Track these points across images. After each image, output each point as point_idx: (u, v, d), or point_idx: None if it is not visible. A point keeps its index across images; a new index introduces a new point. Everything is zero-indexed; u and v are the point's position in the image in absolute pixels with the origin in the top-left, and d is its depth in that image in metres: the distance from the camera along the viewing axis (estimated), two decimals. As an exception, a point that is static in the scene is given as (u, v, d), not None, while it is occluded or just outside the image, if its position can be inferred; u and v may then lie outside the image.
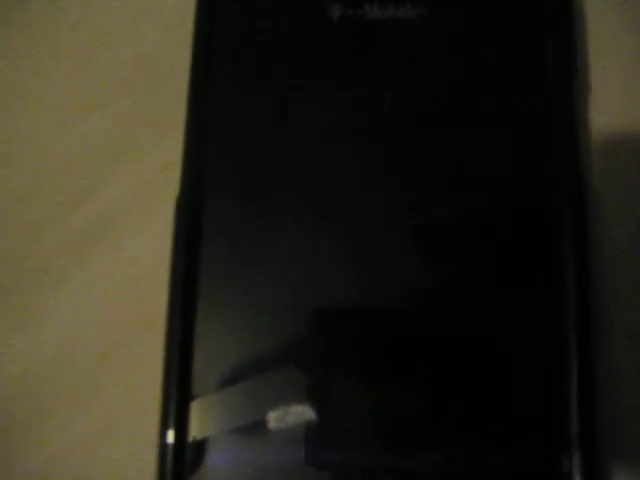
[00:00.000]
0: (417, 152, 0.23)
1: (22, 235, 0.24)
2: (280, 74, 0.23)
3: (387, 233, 0.22)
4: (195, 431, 0.21)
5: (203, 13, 0.24)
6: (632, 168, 0.23)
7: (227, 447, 0.21)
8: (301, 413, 0.21)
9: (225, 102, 0.23)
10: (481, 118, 0.23)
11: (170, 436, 0.21)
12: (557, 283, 0.21)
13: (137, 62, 0.25)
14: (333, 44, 0.24)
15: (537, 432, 0.20)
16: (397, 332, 0.21)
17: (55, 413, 0.23)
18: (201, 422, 0.21)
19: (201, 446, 0.21)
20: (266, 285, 0.22)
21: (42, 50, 0.26)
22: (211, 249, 0.22)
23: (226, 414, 0.21)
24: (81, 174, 0.24)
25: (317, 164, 0.23)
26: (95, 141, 0.25)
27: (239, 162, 0.23)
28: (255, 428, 0.21)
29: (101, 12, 0.26)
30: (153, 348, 0.22)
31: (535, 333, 0.21)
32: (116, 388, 0.23)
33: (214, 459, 0.21)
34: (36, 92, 0.25)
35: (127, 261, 0.24)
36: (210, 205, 0.22)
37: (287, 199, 0.22)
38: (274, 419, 0.21)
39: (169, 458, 0.21)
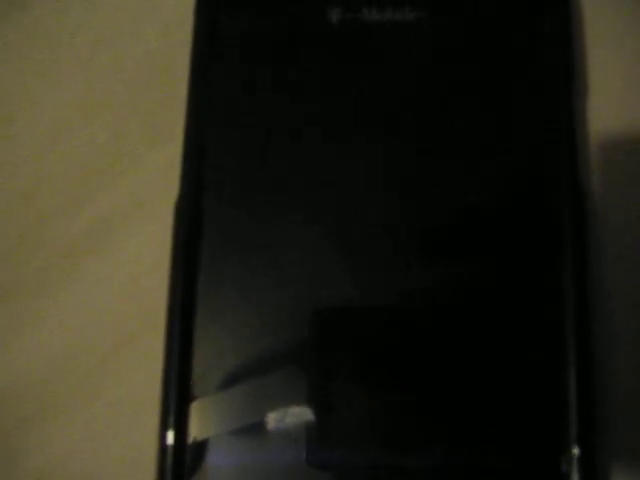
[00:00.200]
0: (416, 155, 0.23)
1: (23, 238, 0.24)
2: (279, 77, 0.24)
3: (387, 235, 0.22)
4: (195, 432, 0.21)
5: (203, 16, 0.24)
6: (631, 169, 0.23)
7: (227, 448, 0.21)
8: (301, 414, 0.21)
9: (224, 105, 0.23)
10: (480, 120, 0.23)
11: (170, 437, 0.21)
12: (556, 284, 0.21)
13: (137, 65, 0.25)
14: (332, 47, 0.24)
15: (536, 432, 0.20)
16: (397, 333, 0.21)
17: (56, 414, 0.23)
18: (201, 423, 0.21)
19: (201, 447, 0.21)
20: (265, 286, 0.22)
21: (43, 53, 0.26)
22: (210, 251, 0.22)
23: (226, 415, 0.21)
24: (81, 176, 0.25)
25: (316, 166, 0.23)
26: (95, 143, 0.25)
27: (238, 165, 0.23)
28: (255, 429, 0.21)
29: (101, 15, 0.26)
30: (153, 350, 0.22)
31: (534, 334, 0.21)
32: (116, 389, 0.23)
33: (214, 460, 0.21)
34: (37, 95, 0.25)
35: (127, 263, 0.24)
36: (209, 207, 0.22)
37: (286, 201, 0.22)
38: (274, 420, 0.21)
39: (169, 459, 0.21)
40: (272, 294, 0.22)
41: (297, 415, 0.21)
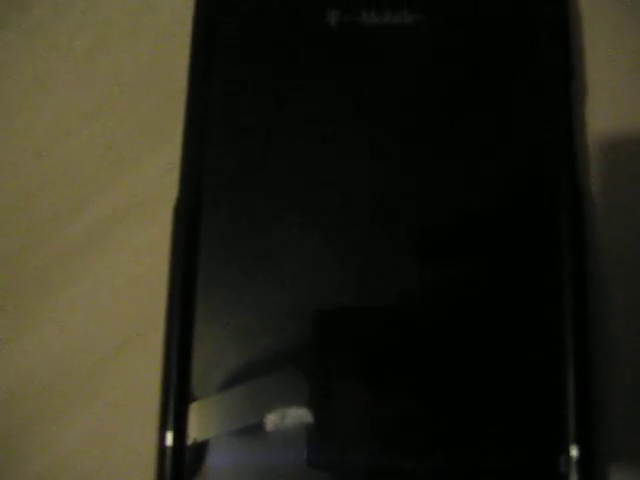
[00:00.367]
0: (415, 156, 0.23)
1: (23, 240, 0.24)
2: (278, 79, 0.24)
3: (387, 235, 0.22)
4: (194, 433, 0.21)
5: (201, 18, 0.24)
6: (630, 169, 0.23)
7: (227, 449, 0.21)
8: (301, 414, 0.21)
9: (223, 107, 0.23)
10: (479, 122, 0.23)
11: (169, 438, 0.21)
12: (555, 284, 0.21)
13: (136, 67, 0.25)
14: (331, 50, 0.24)
15: (535, 433, 0.20)
16: (397, 333, 0.21)
17: (56, 415, 0.23)
18: (200, 424, 0.21)
19: (200, 448, 0.21)
20: (264, 287, 0.22)
21: (42, 56, 0.26)
22: (209, 252, 0.22)
23: (225, 416, 0.21)
24: (81, 178, 0.25)
25: (315, 167, 0.23)
26: (95, 145, 0.25)
27: (237, 166, 0.23)
28: (255, 430, 0.21)
29: (100, 18, 0.26)
30: (153, 351, 0.22)
31: (533, 334, 0.21)
32: (116, 390, 0.23)
33: (213, 461, 0.21)
34: (36, 97, 0.26)
35: (127, 265, 0.24)
36: (208, 209, 0.22)
37: (285, 202, 0.23)
38: (274, 421, 0.21)
39: (168, 460, 0.21)
40: (271, 295, 0.22)
41: (297, 416, 0.21)
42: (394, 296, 0.22)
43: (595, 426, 0.20)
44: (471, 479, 0.20)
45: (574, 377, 0.20)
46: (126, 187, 0.24)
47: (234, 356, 0.21)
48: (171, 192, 0.23)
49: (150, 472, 0.21)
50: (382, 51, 0.24)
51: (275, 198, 0.23)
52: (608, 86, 0.24)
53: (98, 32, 0.26)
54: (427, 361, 0.21)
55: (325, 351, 0.21)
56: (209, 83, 0.23)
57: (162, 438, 0.21)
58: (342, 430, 0.21)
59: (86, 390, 0.23)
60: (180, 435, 0.21)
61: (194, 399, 0.21)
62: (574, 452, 0.20)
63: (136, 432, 0.22)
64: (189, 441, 0.21)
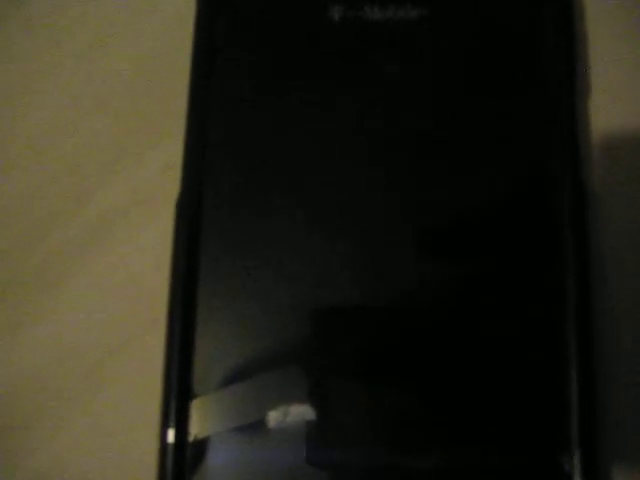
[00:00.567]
0: (418, 154, 0.23)
1: (24, 237, 0.24)
2: (281, 76, 0.23)
3: (388, 234, 0.22)
4: (196, 430, 0.21)
5: (203, 15, 0.24)
6: (634, 167, 0.23)
7: (228, 446, 0.21)
8: (301, 412, 0.21)
9: (225, 104, 0.23)
10: (482, 119, 0.23)
11: (170, 435, 0.21)
12: (558, 283, 0.21)
13: (137, 64, 0.25)
14: (334, 45, 0.24)
15: (538, 432, 0.20)
16: (398, 332, 0.21)
17: (56, 413, 0.23)
18: (202, 421, 0.21)
19: (202, 445, 0.21)
20: (265, 285, 0.22)
21: (42, 51, 0.26)
22: (211, 249, 0.22)
23: (227, 413, 0.21)
24: (82, 175, 0.25)
25: (317, 166, 0.23)
26: (96, 142, 0.25)
27: (239, 164, 0.23)
28: (256, 427, 0.21)
29: (101, 13, 0.26)
30: (153, 348, 0.22)
31: (535, 334, 0.21)
32: (116, 388, 0.23)
33: (214, 458, 0.21)
34: (36, 94, 0.25)
35: (128, 262, 0.24)
36: (210, 206, 0.22)
37: (286, 200, 0.22)
38: (274, 418, 0.21)
39: (170, 457, 0.21)
40: (272, 292, 0.22)
41: (297, 413, 0.21)
42: (396, 295, 0.22)
43: (598, 426, 0.20)
44: (474, 479, 0.20)
45: (577, 377, 0.20)
46: (127, 184, 0.24)
47: (235, 354, 0.21)
48: (172, 189, 0.23)
49: (151, 469, 0.21)
50: (385, 46, 0.23)
51: (277, 195, 0.23)
52: (611, 85, 0.24)
53: (98, 28, 0.26)
54: (428, 360, 0.21)
55: (326, 349, 0.21)
56: (211, 79, 0.23)
57: (163, 435, 0.21)
58: (342, 428, 0.21)
59: (87, 387, 0.23)
60: (181, 432, 0.21)
61: (195, 396, 0.21)
62: (577, 452, 0.20)
63: (137, 429, 0.22)
64: (190, 438, 0.21)
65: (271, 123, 0.23)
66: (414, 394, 0.21)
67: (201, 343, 0.21)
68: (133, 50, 0.25)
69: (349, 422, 0.21)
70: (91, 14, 0.26)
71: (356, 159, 0.23)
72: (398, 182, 0.22)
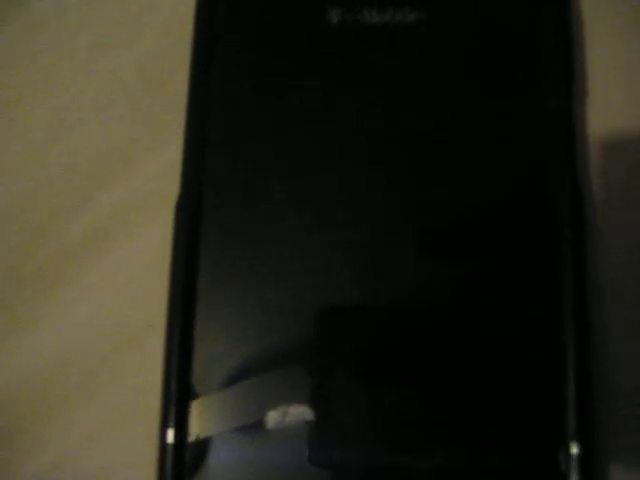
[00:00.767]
0: (417, 155, 0.23)
1: (22, 239, 0.24)
2: (279, 78, 0.24)
3: (388, 234, 0.22)
4: (196, 430, 0.21)
5: (203, 17, 0.24)
6: (631, 170, 0.23)
7: (228, 447, 0.21)
8: (303, 412, 0.21)
9: (224, 105, 0.23)
10: (480, 121, 0.23)
11: (170, 436, 0.21)
12: (555, 283, 0.21)
13: (137, 66, 0.25)
14: (332, 48, 0.24)
15: (535, 431, 0.20)
16: (399, 332, 0.22)
17: (56, 414, 0.23)
18: (202, 421, 0.21)
19: (202, 446, 0.21)
20: (265, 285, 0.22)
21: (42, 54, 0.26)
22: (210, 250, 0.22)
23: (227, 413, 0.21)
24: (81, 178, 0.25)
25: (316, 167, 0.23)
26: (95, 145, 0.25)
27: (238, 165, 0.23)
28: (256, 427, 0.21)
29: (101, 16, 0.26)
30: (153, 350, 0.22)
31: (533, 333, 0.21)
32: (117, 390, 0.23)
33: (215, 458, 0.21)
34: (37, 96, 0.26)
35: (128, 263, 0.24)
36: (209, 207, 0.22)
37: (287, 201, 0.23)
38: (275, 418, 0.21)
39: (169, 458, 0.21)
40: (273, 293, 0.22)
41: (298, 413, 0.21)
42: (396, 295, 0.22)
43: (595, 424, 0.20)
44: (472, 477, 0.21)
45: (574, 375, 0.20)
46: (127, 185, 0.24)
47: (235, 354, 0.21)
48: (172, 191, 0.23)
49: (151, 470, 0.21)
50: (384, 50, 0.24)
51: (276, 196, 0.23)
52: (609, 87, 0.24)
53: (99, 30, 0.26)
54: (428, 360, 0.21)
55: (327, 349, 0.21)
56: (210, 82, 0.23)
57: (163, 435, 0.21)
58: (344, 428, 0.21)
59: (87, 388, 0.23)
60: (182, 432, 0.21)
61: (195, 396, 0.21)
62: (574, 450, 0.20)
63: (137, 430, 0.22)
64: (191, 438, 0.21)
65: (270, 125, 0.23)
66: (414, 394, 0.21)
67: (201, 343, 0.21)
68: (133, 52, 0.26)
69: (350, 422, 0.21)
70: (91, 16, 0.26)
71: (355, 160, 0.23)
72: (397, 183, 0.23)
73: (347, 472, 0.21)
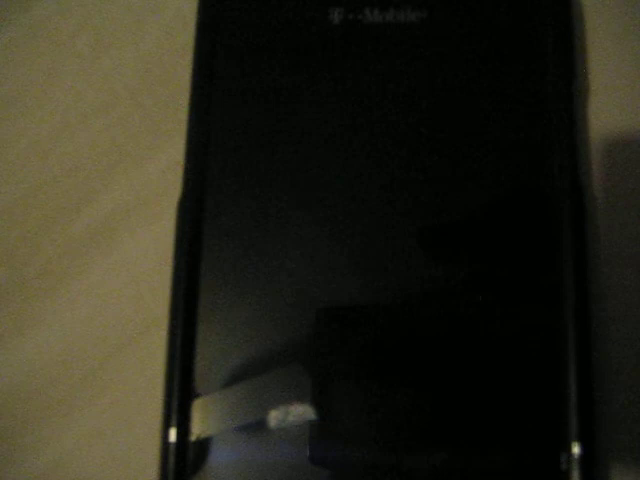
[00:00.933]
0: (418, 154, 0.23)
1: (25, 238, 0.24)
2: (281, 78, 0.24)
3: (390, 234, 0.22)
4: (197, 430, 0.21)
5: (205, 17, 0.24)
6: (632, 168, 0.23)
7: (230, 446, 0.21)
8: (304, 411, 0.21)
9: (226, 105, 0.23)
10: (481, 120, 0.23)
11: (172, 435, 0.21)
12: (556, 282, 0.21)
13: (139, 65, 0.26)
14: (334, 48, 0.24)
15: (536, 431, 0.20)
16: (399, 332, 0.22)
17: (58, 414, 0.23)
18: (203, 421, 0.21)
19: (203, 445, 0.21)
20: (267, 285, 0.22)
21: (44, 54, 0.26)
22: (212, 250, 0.22)
23: (229, 413, 0.21)
24: (83, 177, 0.25)
25: (318, 166, 0.23)
26: (98, 143, 0.25)
27: (241, 164, 0.23)
28: (258, 426, 0.21)
29: (103, 16, 0.26)
30: (155, 349, 0.22)
31: (534, 332, 0.21)
32: (119, 389, 0.23)
33: (216, 458, 0.21)
34: (39, 96, 0.26)
35: (130, 262, 0.24)
36: (211, 206, 0.23)
37: (289, 200, 0.23)
38: (277, 417, 0.21)
39: (171, 457, 0.21)
40: (274, 292, 0.22)
41: (300, 412, 0.21)
42: (396, 294, 0.22)
43: (597, 424, 0.20)
44: (473, 476, 0.21)
45: (576, 375, 0.20)
46: (129, 184, 0.24)
47: (237, 353, 0.22)
48: (174, 189, 0.23)
49: (153, 469, 0.21)
50: (385, 49, 0.24)
51: (278, 195, 0.23)
52: (611, 86, 0.24)
53: (101, 30, 0.26)
54: (429, 359, 0.21)
55: (328, 348, 0.21)
56: (212, 81, 0.23)
57: (165, 434, 0.21)
58: (345, 427, 0.21)
59: (89, 387, 0.23)
60: (183, 431, 0.21)
61: (197, 396, 0.21)
62: (576, 450, 0.20)
63: (139, 429, 0.22)
64: (192, 437, 0.21)
65: (272, 125, 0.23)
66: (415, 393, 0.21)
67: (203, 343, 0.22)
68: (135, 52, 0.26)
69: (351, 421, 0.21)
70: (93, 18, 0.26)
71: (357, 159, 0.23)
72: (399, 182, 0.23)
73: (348, 471, 0.21)
